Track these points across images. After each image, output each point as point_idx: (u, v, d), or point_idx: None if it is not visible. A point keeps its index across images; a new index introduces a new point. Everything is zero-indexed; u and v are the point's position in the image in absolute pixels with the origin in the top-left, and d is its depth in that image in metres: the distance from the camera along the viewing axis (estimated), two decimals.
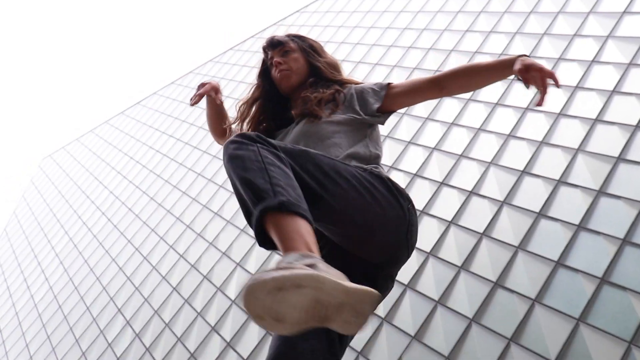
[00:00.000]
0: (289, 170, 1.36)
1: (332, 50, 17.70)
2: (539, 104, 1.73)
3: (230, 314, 12.18)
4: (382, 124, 1.92)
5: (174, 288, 14.03)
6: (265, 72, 2.01)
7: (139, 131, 23.21)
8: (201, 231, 15.09)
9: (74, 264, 18.49)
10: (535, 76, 1.72)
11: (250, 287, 1.02)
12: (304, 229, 1.23)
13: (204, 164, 17.67)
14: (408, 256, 1.73)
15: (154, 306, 14.02)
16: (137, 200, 18.74)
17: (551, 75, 1.71)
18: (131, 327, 14.03)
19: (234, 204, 15.07)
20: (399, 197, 1.66)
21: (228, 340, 11.65)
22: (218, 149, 17.76)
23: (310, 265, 1.11)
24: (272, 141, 1.43)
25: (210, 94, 2.07)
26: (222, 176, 16.46)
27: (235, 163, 1.34)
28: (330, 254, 1.64)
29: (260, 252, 12.98)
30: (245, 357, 11.04)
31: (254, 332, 11.39)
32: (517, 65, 1.72)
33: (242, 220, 14.33)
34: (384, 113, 1.89)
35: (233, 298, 12.47)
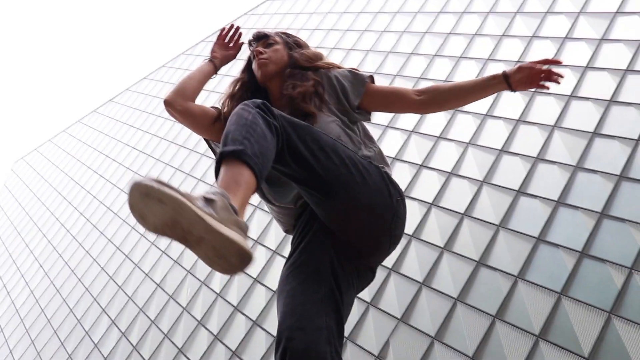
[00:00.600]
0: (270, 136, 1.44)
1: (306, 37, 17.61)
2: (546, 87, 1.82)
3: (216, 307, 12.14)
4: (368, 121, 1.95)
5: (158, 285, 13.93)
6: (249, 65, 2.03)
7: (114, 128, 22.91)
8: None
9: (54, 267, 18.26)
10: (525, 76, 1.78)
11: (131, 183, 1.19)
12: (241, 177, 1.34)
13: (181, 158, 17.52)
14: (389, 248, 1.76)
15: (139, 304, 13.92)
16: (116, 198, 18.53)
17: (546, 62, 1.79)
18: (117, 326, 13.92)
19: None
20: (389, 186, 1.69)
21: (215, 333, 11.61)
22: (194, 142, 17.62)
23: (208, 199, 1.24)
24: (275, 110, 1.51)
25: (216, 57, 2.07)
26: (201, 169, 16.34)
27: (232, 118, 1.46)
28: (316, 235, 1.67)
29: None
30: (233, 350, 11.02)
31: (241, 324, 11.37)
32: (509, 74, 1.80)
33: None
34: (363, 111, 1.91)
35: (218, 291, 12.42)
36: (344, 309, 1.61)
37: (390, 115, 12.88)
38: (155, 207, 1.19)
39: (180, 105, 1.92)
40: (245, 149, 1.36)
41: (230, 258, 1.23)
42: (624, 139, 9.17)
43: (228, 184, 1.32)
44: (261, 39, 2.00)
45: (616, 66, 10.33)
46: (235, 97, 1.96)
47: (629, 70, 10.12)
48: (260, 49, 1.97)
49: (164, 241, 15.06)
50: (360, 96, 1.87)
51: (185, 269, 13.67)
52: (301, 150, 1.51)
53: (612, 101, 9.82)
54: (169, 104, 1.92)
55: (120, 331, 13.68)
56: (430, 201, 10.51)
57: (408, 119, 12.46)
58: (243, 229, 1.26)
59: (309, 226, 1.70)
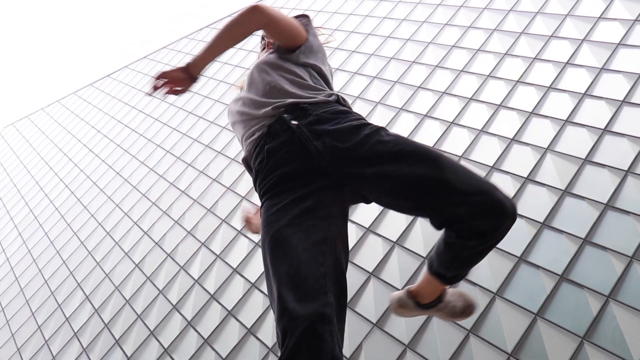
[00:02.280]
0: None
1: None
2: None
3: (193, 293, 12.10)
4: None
5: (137, 265, 13.85)
6: None
7: (108, 104, 22.75)
8: (167, 209, 14.91)
9: (33, 236, 18.10)
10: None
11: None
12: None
13: (173, 141, 17.44)
14: None
15: (115, 282, 13.83)
16: (103, 174, 18.40)
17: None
18: (90, 302, 13.82)
19: (202, 183, 14.94)
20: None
21: (189, 319, 11.57)
22: (188, 126, 17.55)
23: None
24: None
25: None
26: (191, 155, 16.28)
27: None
28: (331, 192, 1.67)
29: (225, 233, 12.89)
30: (205, 337, 10.98)
31: (216, 312, 11.34)
32: None
33: (208, 200, 14.21)
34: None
35: (196, 277, 12.37)
36: (345, 274, 1.59)
37: (385, 121, 12.91)
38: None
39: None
40: None
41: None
42: (614, 168, 9.26)
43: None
44: None
45: (613, 96, 10.43)
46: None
47: (625, 101, 10.22)
48: (271, 41, 2.10)
49: (146, 222, 14.99)
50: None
51: (165, 252, 13.60)
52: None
53: (606, 130, 9.91)
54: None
55: (94, 307, 13.58)
56: None
57: (404, 127, 12.49)
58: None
59: (308, 176, 1.66)
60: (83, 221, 16.87)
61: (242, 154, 1.89)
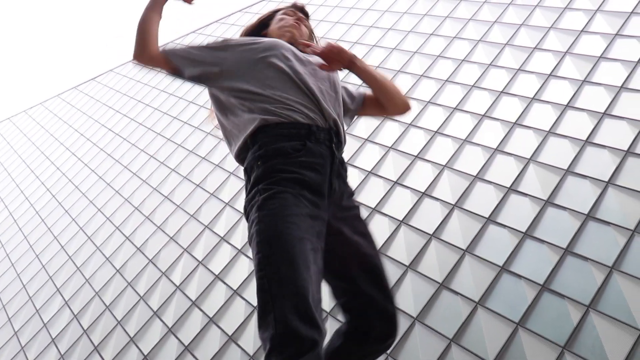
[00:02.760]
0: None
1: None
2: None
3: (174, 299, 11.99)
4: None
5: (118, 270, 13.70)
6: (267, 19, 2.25)
7: (92, 108, 22.57)
8: (150, 214, 14.79)
9: (12, 240, 17.84)
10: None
11: None
12: None
13: (157, 145, 17.33)
14: None
15: (95, 287, 13.66)
16: (85, 178, 18.23)
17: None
18: (69, 307, 13.64)
19: (185, 188, 14.85)
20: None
21: (170, 325, 11.46)
22: (173, 131, 17.46)
23: None
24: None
25: None
26: (175, 159, 16.18)
27: None
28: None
29: (208, 239, 12.81)
30: (186, 344, 10.88)
31: (197, 319, 11.24)
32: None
33: (191, 206, 14.13)
34: None
35: (178, 283, 12.27)
36: None
37: (371, 129, 12.94)
38: None
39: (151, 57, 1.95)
40: None
41: None
42: (595, 179, 9.36)
43: None
44: (306, 15, 2.26)
45: (595, 108, 10.56)
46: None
47: (606, 113, 10.35)
48: (299, 22, 2.19)
49: (128, 227, 14.86)
50: None
51: (147, 257, 13.48)
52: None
53: (588, 142, 10.03)
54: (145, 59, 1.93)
55: (73, 313, 13.40)
56: (401, 219, 10.56)
57: (388, 136, 12.53)
58: None
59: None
60: (64, 225, 16.67)
61: (262, 106, 1.81)
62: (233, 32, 20.86)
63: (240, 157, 1.88)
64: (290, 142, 1.73)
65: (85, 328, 12.77)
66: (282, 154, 1.72)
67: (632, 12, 12.21)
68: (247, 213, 1.74)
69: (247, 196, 1.76)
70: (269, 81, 1.84)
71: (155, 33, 1.91)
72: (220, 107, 1.93)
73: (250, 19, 20.57)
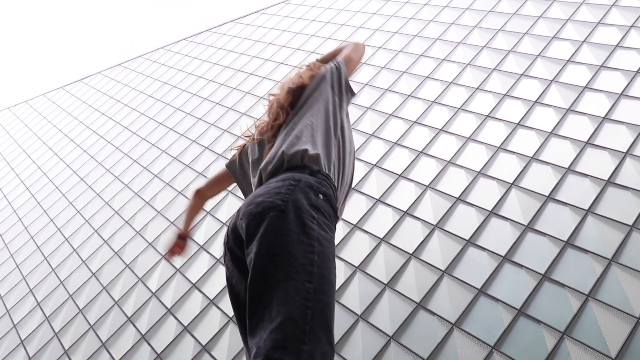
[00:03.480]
0: None
1: (316, 46, 17.75)
2: None
3: (149, 306, 11.84)
4: None
5: (94, 274, 13.52)
6: None
7: (77, 109, 22.39)
8: (130, 219, 14.65)
9: None
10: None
11: None
12: None
13: (141, 150, 17.22)
14: None
15: (70, 290, 13.46)
16: (66, 179, 18.03)
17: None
18: (41, 309, 13.40)
19: (167, 194, 14.74)
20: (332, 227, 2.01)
21: (143, 332, 11.30)
22: (157, 137, 17.38)
23: None
24: None
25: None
26: (159, 166, 16.08)
27: None
28: None
29: (188, 247, 12.67)
30: (159, 352, 10.73)
31: (172, 327, 11.11)
32: None
33: (172, 212, 14.02)
34: None
35: (154, 290, 12.13)
36: None
37: (356, 145, 12.98)
38: None
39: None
40: None
41: None
42: (576, 207, 9.46)
43: None
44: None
45: (578, 137, 10.70)
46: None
47: (589, 143, 10.49)
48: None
49: (107, 230, 14.69)
50: None
51: (124, 262, 13.32)
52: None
53: (570, 169, 10.14)
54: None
55: (44, 315, 13.17)
56: (381, 237, 10.56)
57: (373, 153, 12.58)
58: None
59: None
60: (41, 226, 16.44)
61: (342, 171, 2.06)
62: (249, 32, 20.71)
63: (312, 161, 1.92)
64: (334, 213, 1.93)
65: (56, 331, 12.55)
66: (335, 213, 1.91)
67: (617, 46, 12.44)
68: (295, 211, 1.72)
69: (297, 200, 1.75)
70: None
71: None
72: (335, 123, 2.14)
73: (268, 19, 20.64)
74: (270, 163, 1.94)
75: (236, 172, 2.37)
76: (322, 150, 1.94)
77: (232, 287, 1.84)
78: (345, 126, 2.12)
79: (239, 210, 1.82)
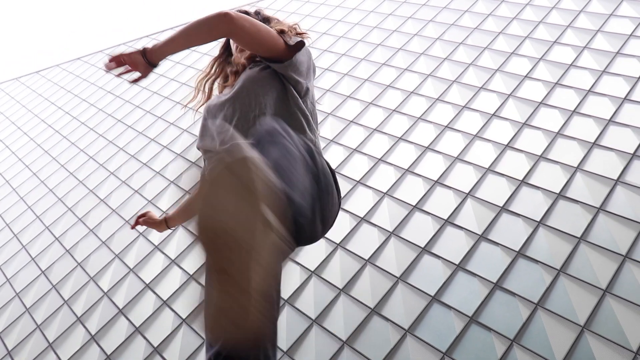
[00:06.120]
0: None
1: (314, 40, 17.65)
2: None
3: (100, 306, 11.59)
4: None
5: (43, 272, 13.15)
6: (228, 43, 2.21)
7: (33, 101, 21.79)
8: (83, 216, 14.32)
9: None
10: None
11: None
12: None
13: (98, 147, 16.87)
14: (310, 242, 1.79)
15: (17, 288, 13.05)
16: (18, 173, 17.50)
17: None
18: None
19: (122, 193, 14.48)
20: (339, 193, 1.82)
21: (93, 333, 11.05)
22: (115, 134, 17.06)
23: None
24: None
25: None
26: (115, 163, 15.78)
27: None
28: None
29: (142, 247, 12.50)
30: (108, 353, 10.51)
31: (123, 328, 10.90)
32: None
33: (127, 212, 13.78)
34: None
35: (106, 290, 11.88)
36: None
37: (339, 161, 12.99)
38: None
39: None
40: None
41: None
42: (528, 219, 9.73)
43: None
44: None
45: (533, 150, 11.02)
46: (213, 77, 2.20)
47: (542, 156, 10.81)
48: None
49: (59, 227, 14.32)
50: None
51: (76, 260, 13.01)
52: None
53: (524, 182, 10.43)
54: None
55: None
56: (338, 242, 10.62)
57: (332, 160, 12.64)
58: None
59: None
60: None
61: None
62: None
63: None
64: None
65: (0, 330, 12.15)
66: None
67: (571, 65, 12.87)
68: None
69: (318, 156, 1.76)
70: None
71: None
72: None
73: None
74: None
75: None
76: None
77: None
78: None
79: None
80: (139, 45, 22.13)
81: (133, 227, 2.46)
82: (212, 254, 0.98)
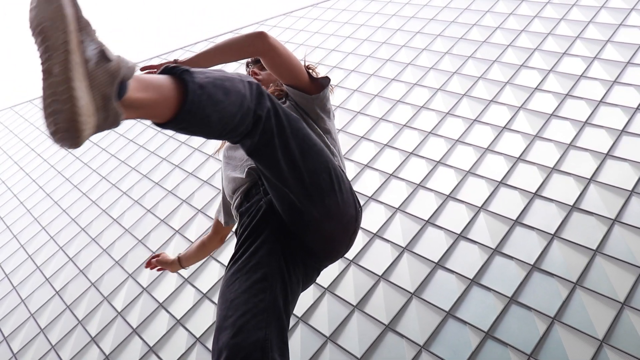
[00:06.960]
0: (240, 99, 1.37)
1: (322, 57, 17.77)
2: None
3: (114, 326, 11.59)
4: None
5: (57, 292, 13.19)
6: None
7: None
8: (96, 236, 14.39)
9: None
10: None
11: None
12: (167, 89, 1.24)
13: (110, 167, 16.99)
14: (342, 255, 1.78)
15: (31, 309, 13.09)
16: (31, 195, 17.65)
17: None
18: (0, 329, 12.99)
19: (135, 212, 14.55)
20: (355, 196, 1.73)
21: (107, 353, 11.04)
22: (117, 148, 17.18)
23: (103, 54, 1.09)
24: (272, 96, 1.46)
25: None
26: (127, 183, 15.87)
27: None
28: (267, 241, 1.62)
29: None
30: None
31: (137, 347, 10.88)
32: None
33: (140, 231, 13.82)
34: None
35: (120, 310, 11.88)
36: (288, 314, 1.56)
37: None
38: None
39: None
40: (196, 78, 1.24)
41: (59, 118, 0.99)
42: (542, 231, 9.64)
43: (147, 86, 1.16)
44: (257, 62, 2.23)
45: (545, 163, 10.95)
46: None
47: (555, 169, 10.74)
48: (255, 70, 2.16)
49: (73, 248, 14.39)
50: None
51: (89, 280, 13.04)
52: (291, 145, 1.46)
53: (537, 194, 10.35)
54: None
55: (3, 335, 12.77)
56: (351, 259, 10.58)
57: (368, 187, 12.64)
58: (104, 106, 1.04)
59: (260, 228, 1.63)
60: (3, 242, 16.02)
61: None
62: (275, 34, 20.74)
63: None
64: None
65: (15, 352, 12.17)
66: None
67: (581, 76, 12.83)
68: None
69: None
70: None
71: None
72: None
73: (296, 21, 20.65)
74: None
75: None
76: None
77: None
78: None
79: None
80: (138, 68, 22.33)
81: (147, 267, 2.53)
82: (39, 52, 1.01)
